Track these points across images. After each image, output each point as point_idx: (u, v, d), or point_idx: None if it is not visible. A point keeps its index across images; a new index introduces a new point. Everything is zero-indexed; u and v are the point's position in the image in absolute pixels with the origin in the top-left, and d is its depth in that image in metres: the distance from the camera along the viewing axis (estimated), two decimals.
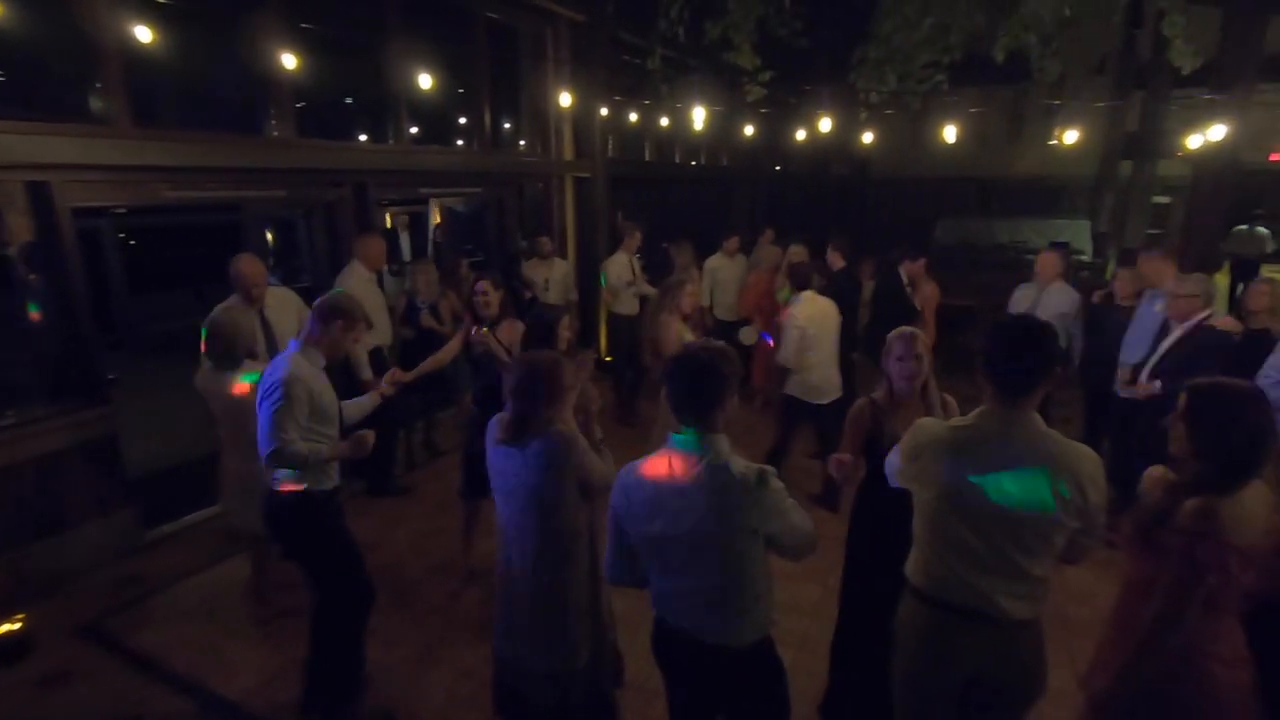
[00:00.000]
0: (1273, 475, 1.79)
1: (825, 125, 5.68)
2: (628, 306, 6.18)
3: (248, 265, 3.71)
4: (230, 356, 3.17)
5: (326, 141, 5.43)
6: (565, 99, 6.23)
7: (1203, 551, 1.66)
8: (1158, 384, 3.75)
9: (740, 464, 1.78)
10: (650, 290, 5.91)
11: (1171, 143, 8.09)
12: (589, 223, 7.33)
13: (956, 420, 1.90)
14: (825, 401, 4.53)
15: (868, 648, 2.53)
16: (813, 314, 4.49)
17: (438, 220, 9.79)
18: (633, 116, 7.18)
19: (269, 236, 10.75)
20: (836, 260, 5.53)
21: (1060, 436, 1.79)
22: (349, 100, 9.53)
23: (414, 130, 6.36)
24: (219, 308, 3.50)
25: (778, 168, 12.45)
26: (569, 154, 7.21)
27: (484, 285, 3.61)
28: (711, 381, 1.79)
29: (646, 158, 9.11)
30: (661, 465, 1.84)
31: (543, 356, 2.21)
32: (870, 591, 2.56)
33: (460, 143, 7.12)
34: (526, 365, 2.16)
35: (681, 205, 9.88)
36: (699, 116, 5.90)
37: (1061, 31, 3.94)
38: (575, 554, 2.21)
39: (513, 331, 3.58)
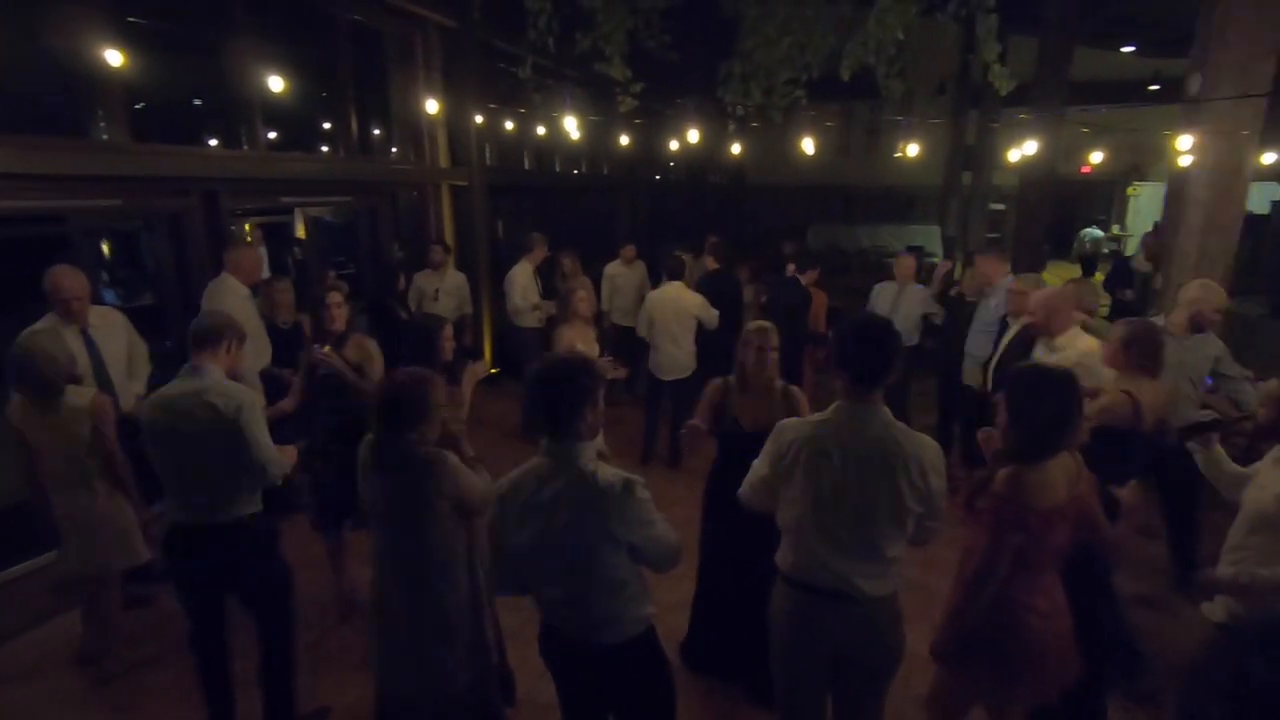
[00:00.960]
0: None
1: (695, 137, 5.90)
2: (533, 320, 6.09)
3: (64, 278, 3.27)
4: (48, 386, 2.80)
5: (168, 146, 4.95)
6: (437, 106, 6.07)
7: (1007, 514, 1.88)
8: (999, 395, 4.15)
9: (607, 473, 1.80)
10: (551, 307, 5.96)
11: (1001, 156, 9.04)
12: (468, 232, 7.16)
13: (815, 416, 2.02)
14: (669, 378, 5.22)
15: (723, 606, 2.92)
16: (658, 301, 5.18)
17: (302, 232, 9.21)
18: (509, 125, 7.10)
19: (105, 249, 9.70)
20: (710, 263, 6.01)
21: (905, 427, 1.94)
22: (198, 102, 8.78)
23: (273, 135, 5.94)
24: (26, 332, 3.06)
25: (658, 176, 12.72)
26: (444, 162, 7.01)
27: (336, 296, 3.34)
28: (569, 392, 1.81)
29: (526, 166, 9.03)
30: (530, 475, 1.85)
31: (407, 374, 2.13)
32: (723, 562, 2.89)
33: (325, 149, 6.73)
34: (390, 384, 2.08)
35: (564, 213, 9.86)
36: (574, 126, 5.94)
37: (900, 55, 4.32)
38: (453, 576, 2.14)
39: (362, 349, 3.36)
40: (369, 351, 3.37)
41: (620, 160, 10.29)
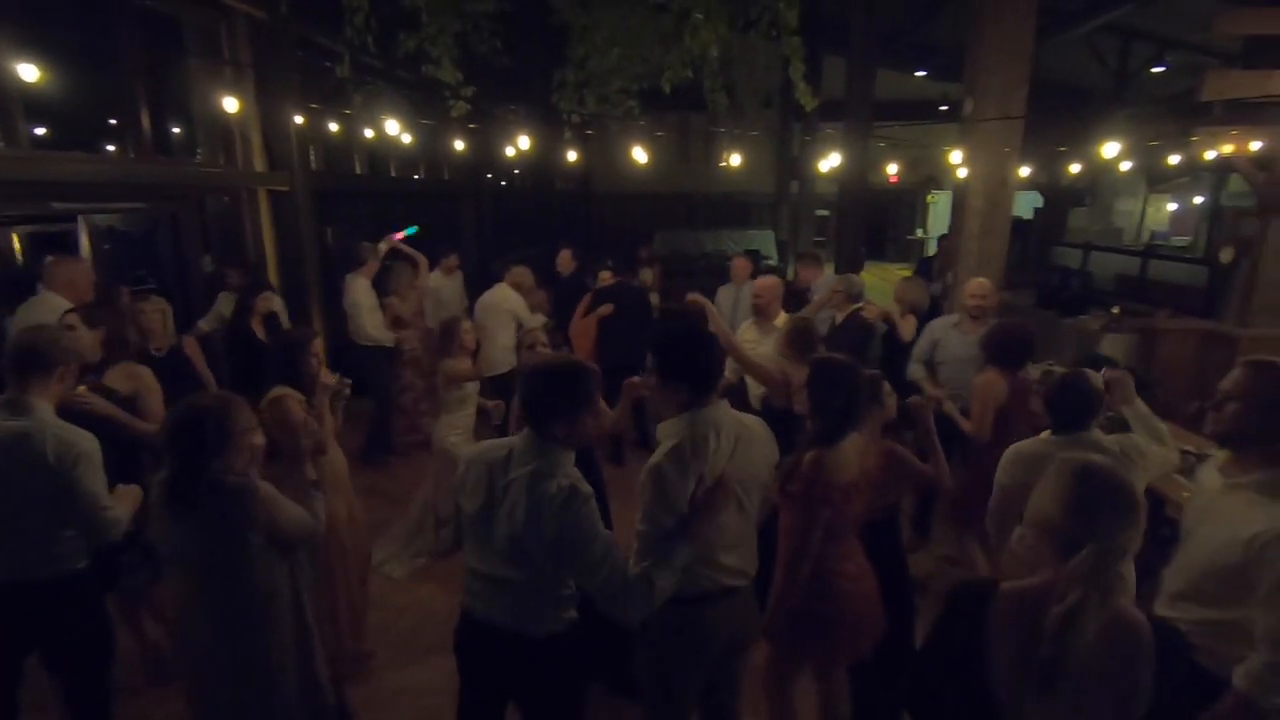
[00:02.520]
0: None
1: (528, 143, 5.89)
2: (380, 338, 5.68)
3: None
4: None
5: None
6: (243, 104, 5.56)
7: (814, 491, 2.09)
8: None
9: (563, 479, 1.76)
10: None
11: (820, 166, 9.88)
12: (292, 241, 6.60)
13: (671, 442, 1.93)
14: (489, 374, 5.33)
15: None
16: (481, 301, 5.57)
17: (87, 243, 8.04)
18: (336, 127, 6.65)
19: None
20: (565, 264, 6.24)
21: (742, 414, 2.07)
22: None
23: (42, 131, 5.13)
24: None
25: (503, 182, 12.51)
26: (260, 165, 6.42)
27: (71, 318, 2.83)
28: (557, 392, 1.82)
29: (357, 170, 8.51)
30: (501, 451, 1.85)
31: (204, 399, 1.94)
32: None
33: (112, 148, 5.93)
34: (186, 411, 1.87)
35: (403, 220, 9.39)
36: (400, 129, 5.69)
37: (723, 69, 4.57)
38: (275, 617, 1.97)
39: (133, 378, 2.96)
40: (143, 381, 2.96)
41: (461, 165, 10.00)
